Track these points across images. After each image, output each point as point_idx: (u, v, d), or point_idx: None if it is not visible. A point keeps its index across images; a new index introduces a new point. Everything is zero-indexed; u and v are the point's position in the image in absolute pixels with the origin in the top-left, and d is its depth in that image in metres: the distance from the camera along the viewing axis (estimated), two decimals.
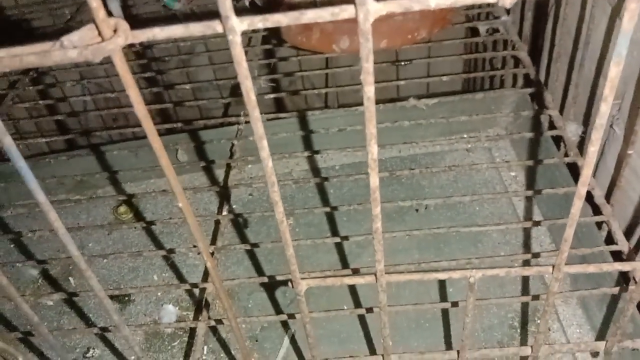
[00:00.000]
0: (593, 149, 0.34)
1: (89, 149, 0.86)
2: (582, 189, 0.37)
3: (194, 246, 0.76)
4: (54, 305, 0.73)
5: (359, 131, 0.82)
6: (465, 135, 0.86)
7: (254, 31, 1.04)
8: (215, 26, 0.29)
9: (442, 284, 0.68)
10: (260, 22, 0.29)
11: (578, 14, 0.72)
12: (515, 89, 0.88)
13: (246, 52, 0.97)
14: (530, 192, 0.73)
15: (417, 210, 0.76)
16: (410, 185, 0.80)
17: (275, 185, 0.37)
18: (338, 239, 0.67)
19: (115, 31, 0.29)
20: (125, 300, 0.72)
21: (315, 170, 0.86)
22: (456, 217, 0.76)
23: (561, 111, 0.78)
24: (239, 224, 0.78)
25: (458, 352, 0.51)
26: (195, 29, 0.29)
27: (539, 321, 0.65)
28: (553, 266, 0.44)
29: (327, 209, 0.74)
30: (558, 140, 0.77)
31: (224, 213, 0.70)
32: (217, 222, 0.69)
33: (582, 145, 0.72)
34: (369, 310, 0.57)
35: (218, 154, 0.83)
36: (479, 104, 0.85)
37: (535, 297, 0.58)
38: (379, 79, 0.93)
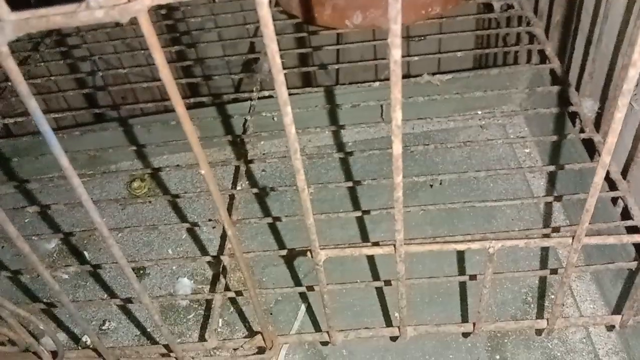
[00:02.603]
0: (615, 126, 0.34)
1: (102, 124, 0.86)
2: (605, 158, 0.36)
3: (210, 220, 0.76)
4: (70, 278, 0.74)
5: (373, 107, 0.82)
6: (479, 112, 0.85)
7: None
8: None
9: (456, 259, 0.69)
10: None
11: None
12: (530, 65, 0.87)
13: (257, 28, 0.96)
14: (546, 168, 0.73)
15: (431, 185, 0.75)
16: (424, 161, 0.80)
17: (297, 152, 0.37)
18: (353, 214, 0.68)
19: None
20: (141, 273, 0.72)
21: (328, 146, 0.86)
22: (470, 193, 0.75)
23: (577, 87, 0.78)
24: (253, 199, 0.78)
25: (474, 324, 0.52)
26: None
27: (552, 296, 0.65)
28: (573, 237, 0.44)
29: (341, 185, 0.74)
30: (573, 116, 0.76)
31: (239, 188, 0.70)
32: (232, 197, 0.69)
33: (598, 122, 0.72)
34: (387, 282, 0.57)
35: (231, 129, 0.83)
36: (494, 80, 0.84)
37: (554, 271, 0.58)
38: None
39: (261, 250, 0.72)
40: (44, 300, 0.72)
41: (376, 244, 0.64)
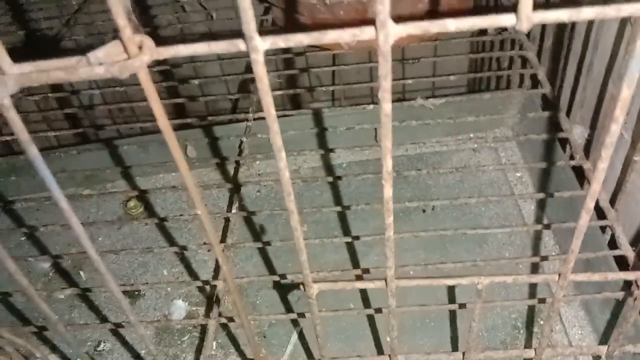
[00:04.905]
0: (602, 166, 0.35)
1: (99, 143, 0.87)
2: (590, 203, 0.37)
3: (204, 243, 0.77)
4: (65, 299, 0.75)
5: (367, 130, 0.83)
6: (472, 135, 0.87)
7: (261, 24, 1.05)
8: (239, 45, 0.30)
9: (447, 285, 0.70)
10: (283, 42, 0.30)
11: None
12: (522, 89, 0.89)
13: None
14: (536, 195, 0.74)
15: (424, 210, 0.77)
16: (417, 184, 0.81)
17: (291, 195, 0.38)
18: (345, 239, 0.69)
19: (140, 48, 0.30)
20: (136, 294, 0.73)
21: (323, 168, 0.87)
22: (462, 217, 0.77)
23: (567, 112, 0.79)
24: (249, 221, 0.79)
25: (463, 353, 0.53)
26: (218, 47, 0.30)
27: (542, 322, 0.66)
28: (559, 274, 0.45)
29: (335, 208, 0.75)
30: (564, 142, 0.77)
31: (234, 210, 0.71)
32: (227, 220, 0.70)
33: (588, 148, 0.73)
34: (378, 310, 0.58)
35: (227, 150, 0.84)
36: (486, 104, 0.85)
37: (542, 301, 0.59)
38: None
39: (256, 272, 0.73)
40: (40, 320, 0.72)
41: (368, 273, 0.65)
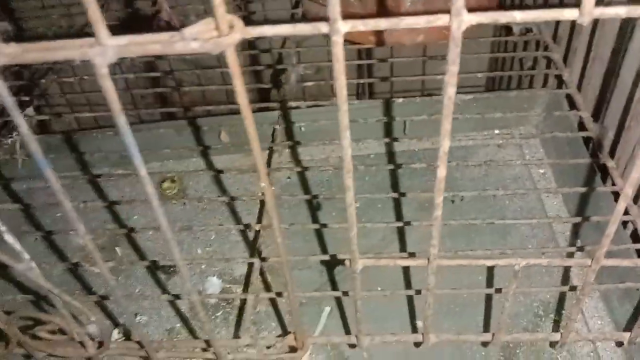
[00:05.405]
0: (636, 176, 0.37)
1: (135, 125, 0.90)
2: (621, 205, 0.40)
3: (238, 224, 0.80)
4: (100, 273, 0.77)
5: (397, 122, 0.85)
6: (497, 131, 0.89)
7: (292, 17, 1.07)
8: (321, 27, 0.32)
9: (469, 272, 0.72)
10: (362, 25, 0.32)
11: (619, 20, 0.74)
12: (547, 89, 0.91)
13: (285, 41, 1.00)
14: (561, 190, 0.76)
15: (452, 201, 0.79)
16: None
17: (350, 172, 0.40)
18: (377, 225, 0.71)
19: (231, 27, 0.33)
20: (170, 271, 0.76)
21: (352, 157, 0.89)
22: (487, 209, 0.79)
23: (592, 113, 0.81)
24: (279, 205, 0.81)
25: (493, 334, 0.55)
26: (303, 28, 0.33)
27: (563, 311, 0.69)
28: (592, 259, 0.47)
29: (364, 195, 0.78)
30: (587, 141, 0.80)
31: (260, 194, 0.74)
32: (262, 202, 0.73)
33: (613, 148, 0.75)
34: (418, 292, 0.61)
35: (260, 136, 0.86)
36: (512, 102, 0.88)
37: (573, 288, 0.62)
38: (408, 73, 0.96)
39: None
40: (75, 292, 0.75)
41: (412, 254, 0.68)
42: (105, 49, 0.33)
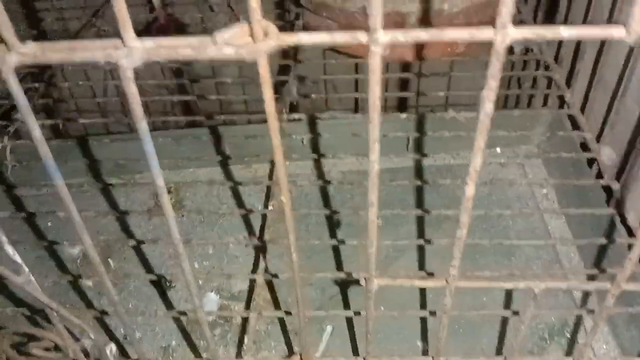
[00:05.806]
0: None
1: (131, 133, 0.88)
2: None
3: (237, 238, 0.78)
4: (93, 286, 0.75)
5: (400, 138, 0.85)
6: (499, 150, 0.89)
7: (292, 28, 1.07)
8: (360, 37, 0.31)
9: (475, 292, 0.71)
10: (402, 36, 0.31)
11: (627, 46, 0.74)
12: (550, 108, 0.91)
13: (285, 53, 0.99)
14: (565, 211, 0.76)
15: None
16: (446, 194, 0.83)
17: (375, 187, 0.39)
18: (383, 242, 0.70)
19: (266, 34, 0.31)
20: (167, 285, 0.73)
21: (352, 172, 0.88)
22: (491, 229, 0.78)
23: (595, 135, 0.81)
24: (281, 219, 0.80)
25: (505, 357, 0.54)
26: (341, 37, 0.31)
27: (568, 335, 0.68)
28: (612, 282, 0.46)
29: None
30: (590, 162, 0.80)
31: (270, 208, 0.72)
32: (264, 217, 0.71)
33: (620, 172, 0.75)
34: (432, 313, 0.59)
35: (260, 148, 0.85)
36: (515, 121, 0.87)
37: (590, 311, 0.61)
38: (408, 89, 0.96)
39: (288, 269, 0.74)
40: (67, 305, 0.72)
41: (430, 274, 0.67)
42: (131, 51, 0.31)
